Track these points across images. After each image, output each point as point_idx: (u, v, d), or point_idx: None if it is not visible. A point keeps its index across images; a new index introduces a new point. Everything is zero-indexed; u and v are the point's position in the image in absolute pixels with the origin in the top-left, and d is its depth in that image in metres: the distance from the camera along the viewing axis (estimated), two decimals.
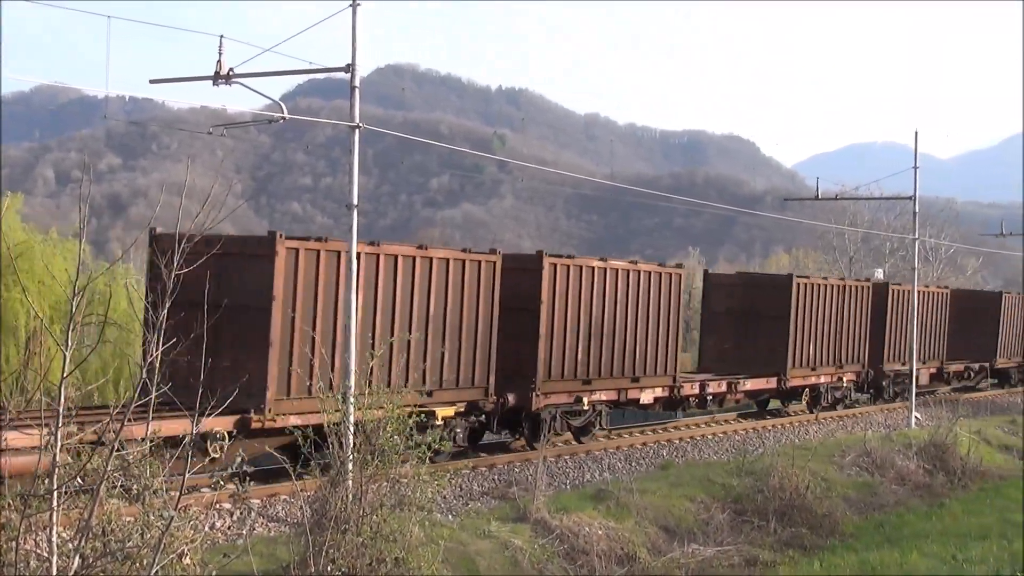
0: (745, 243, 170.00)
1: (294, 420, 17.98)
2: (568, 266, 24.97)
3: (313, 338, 18.58)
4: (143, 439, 10.48)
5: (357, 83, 17.78)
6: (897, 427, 33.61)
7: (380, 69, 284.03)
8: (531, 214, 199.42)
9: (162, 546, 9.62)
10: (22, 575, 9.52)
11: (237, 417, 17.98)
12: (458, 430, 22.05)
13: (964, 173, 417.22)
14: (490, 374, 22.72)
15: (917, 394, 39.75)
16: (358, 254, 18.84)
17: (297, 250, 18.89)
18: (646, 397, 27.51)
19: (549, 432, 24.46)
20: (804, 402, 35.24)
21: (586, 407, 25.56)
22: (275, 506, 18.12)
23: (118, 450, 9.75)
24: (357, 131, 17.82)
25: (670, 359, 28.10)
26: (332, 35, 20.03)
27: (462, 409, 22.09)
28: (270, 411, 18.38)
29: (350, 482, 13.55)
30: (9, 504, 9.78)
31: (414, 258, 21.07)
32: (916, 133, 35.30)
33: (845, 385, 36.70)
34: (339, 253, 19.25)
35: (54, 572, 9.27)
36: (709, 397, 30.50)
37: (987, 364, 47.18)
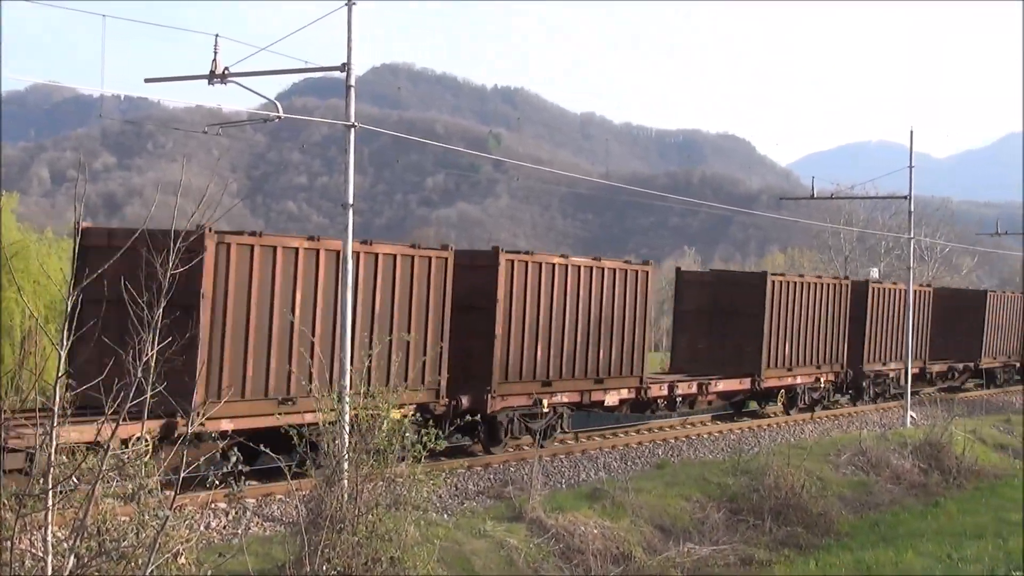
0: (741, 242, 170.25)
1: (225, 425, 17.30)
2: (527, 263, 24.09)
3: (247, 337, 17.95)
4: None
5: (353, 82, 17.77)
6: (892, 426, 33.63)
7: (376, 68, 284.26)
8: (527, 213, 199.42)
9: (157, 546, 9.62)
10: (17, 575, 9.51)
11: (163, 422, 16.70)
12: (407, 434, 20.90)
13: (959, 172, 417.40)
14: (441, 375, 21.84)
15: (896, 395, 39.73)
16: (296, 249, 18.62)
17: (229, 245, 18.13)
18: (611, 399, 26.69)
19: (507, 436, 23.80)
20: (780, 403, 34.40)
21: (546, 409, 24.61)
22: (270, 505, 18.11)
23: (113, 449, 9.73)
24: (353, 130, 17.80)
25: (636, 359, 27.27)
26: (328, 34, 20.02)
27: (410, 412, 20.61)
28: (198, 415, 16.92)
29: (345, 481, 13.55)
30: (4, 503, 9.75)
31: (358, 254, 20.10)
32: (911, 132, 35.18)
33: (823, 386, 35.72)
34: (274, 248, 18.74)
35: (49, 572, 9.26)
36: (679, 399, 29.54)
37: (971, 364, 46.57)
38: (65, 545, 9.63)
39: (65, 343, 9.15)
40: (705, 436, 29.57)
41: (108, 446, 9.47)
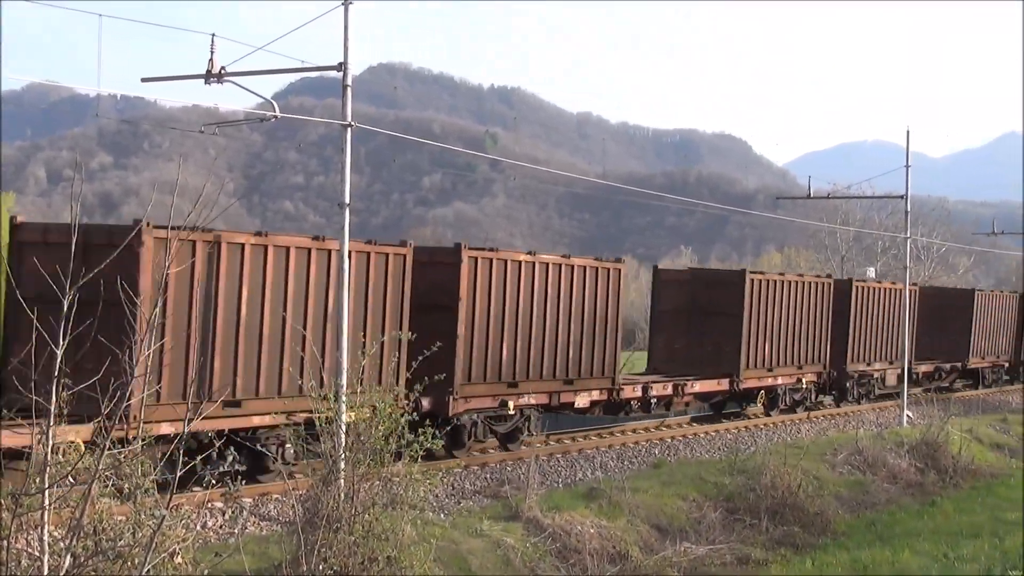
0: (737, 242, 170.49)
1: (166, 428, 16.18)
2: (491, 260, 23.18)
3: (188, 337, 17.10)
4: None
5: (349, 82, 17.77)
6: (888, 425, 33.64)
7: (372, 68, 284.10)
8: (523, 213, 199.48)
9: (153, 545, 9.62)
10: (13, 574, 9.51)
11: (92, 427, 15.38)
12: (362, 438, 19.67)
13: (955, 172, 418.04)
14: (400, 376, 20.63)
15: (880, 397, 39.46)
16: (242, 245, 17.90)
17: (166, 240, 16.56)
18: (581, 401, 25.79)
19: (471, 439, 23.14)
20: (760, 404, 33.68)
21: (512, 412, 23.64)
22: (267, 505, 18.10)
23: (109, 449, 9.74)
24: (349, 130, 17.80)
25: (608, 360, 26.41)
26: (324, 34, 20.03)
27: (366, 415, 19.18)
28: (135, 418, 14.74)
29: (342, 481, 13.55)
30: (0, 503, 9.75)
31: (309, 250, 19.25)
32: (908, 132, 35.19)
33: (805, 387, 34.65)
34: (217, 243, 17.69)
35: (45, 571, 9.26)
36: (653, 400, 28.55)
37: (959, 364, 45.72)
38: (61, 544, 9.63)
39: (62, 343, 9.14)
40: (702, 435, 29.56)
41: (104, 446, 9.48)
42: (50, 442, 9.27)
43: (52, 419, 9.22)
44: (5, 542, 9.42)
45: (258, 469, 18.79)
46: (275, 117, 18.66)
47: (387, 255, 20.74)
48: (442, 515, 17.98)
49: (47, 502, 9.33)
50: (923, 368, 42.69)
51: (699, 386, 30.26)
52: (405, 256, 21.17)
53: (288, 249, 18.88)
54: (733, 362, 31.28)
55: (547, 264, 24.71)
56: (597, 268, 26.20)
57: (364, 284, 20.28)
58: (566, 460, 24.40)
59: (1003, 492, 25.71)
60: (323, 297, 19.51)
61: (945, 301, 46.81)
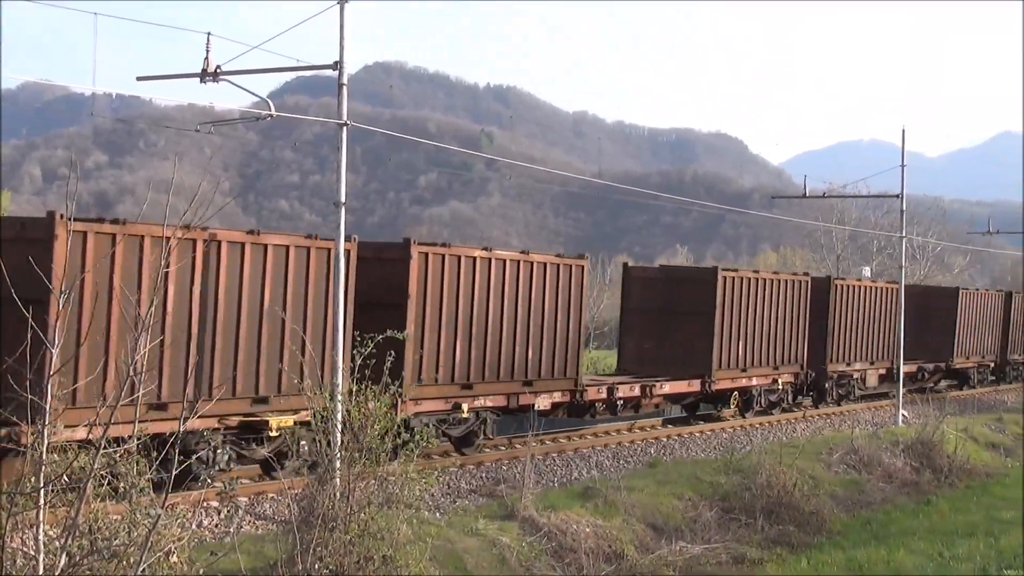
0: (733, 241, 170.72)
1: (81, 433, 14.02)
2: (443, 256, 22.24)
3: (108, 334, 16.33)
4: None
5: (345, 80, 17.77)
6: (884, 425, 33.68)
7: (368, 66, 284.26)
8: (519, 212, 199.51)
9: (149, 544, 9.60)
10: (9, 574, 9.50)
11: (4, 432, 14.76)
12: (302, 442, 16.59)
13: (951, 171, 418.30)
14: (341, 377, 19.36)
15: (861, 398, 39.23)
16: (164, 239, 16.62)
17: (84, 233, 16.08)
18: (542, 403, 24.89)
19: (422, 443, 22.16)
20: (734, 406, 32.47)
21: (466, 415, 22.84)
22: (263, 504, 18.10)
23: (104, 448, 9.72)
24: (345, 128, 17.80)
25: (571, 360, 25.59)
26: (320, 33, 20.02)
27: (306, 418, 17.23)
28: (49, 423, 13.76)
29: (338, 480, 13.55)
30: None
31: (243, 244, 18.40)
32: (903, 131, 35.22)
33: (782, 387, 33.72)
34: (141, 238, 16.72)
35: (41, 571, 9.24)
36: (619, 402, 27.56)
37: (943, 364, 44.96)
38: (57, 544, 9.62)
39: (57, 342, 9.13)
40: (697, 435, 29.57)
41: (101, 445, 9.46)
42: (45, 441, 9.26)
43: (47, 417, 9.21)
44: (1, 541, 9.41)
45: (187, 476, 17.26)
46: (271, 116, 18.64)
47: (328, 250, 19.46)
48: (438, 514, 17.98)
49: (42, 501, 9.31)
50: (905, 368, 42.09)
51: (669, 387, 29.37)
52: (349, 251, 19.78)
53: (220, 243, 17.99)
54: (705, 362, 30.42)
55: (504, 260, 23.89)
56: (558, 265, 25.42)
57: (304, 279, 19.40)
58: (562, 459, 24.40)
59: (998, 491, 25.75)
60: (258, 293, 18.69)
61: (929, 300, 46.15)
